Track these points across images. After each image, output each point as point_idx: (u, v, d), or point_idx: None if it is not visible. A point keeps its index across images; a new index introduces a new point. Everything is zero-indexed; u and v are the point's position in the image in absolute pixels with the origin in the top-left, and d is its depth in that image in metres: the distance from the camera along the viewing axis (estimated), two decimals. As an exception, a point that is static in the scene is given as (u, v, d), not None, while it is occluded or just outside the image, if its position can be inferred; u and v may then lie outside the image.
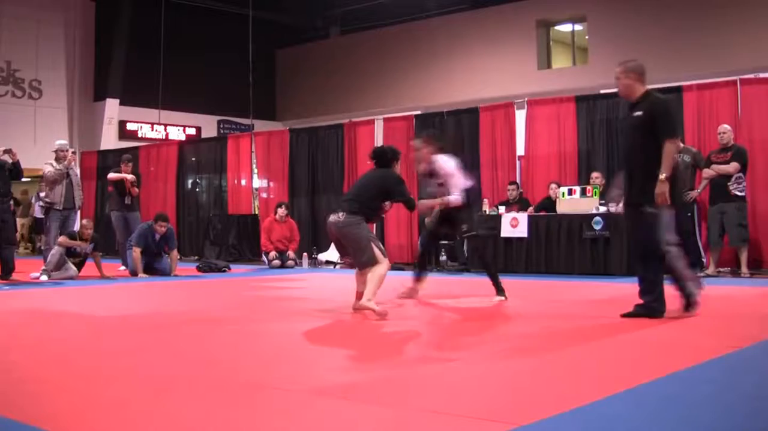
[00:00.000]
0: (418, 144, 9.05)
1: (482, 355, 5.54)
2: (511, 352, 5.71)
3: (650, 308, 7.14)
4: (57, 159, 13.58)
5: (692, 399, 4.08)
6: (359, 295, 7.81)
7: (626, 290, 10.15)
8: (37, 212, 16.48)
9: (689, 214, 12.34)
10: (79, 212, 14.28)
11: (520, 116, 15.26)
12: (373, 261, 7.68)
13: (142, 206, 16.58)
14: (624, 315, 7.13)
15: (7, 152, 12.44)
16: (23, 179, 15.77)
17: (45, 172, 13.69)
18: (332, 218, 7.88)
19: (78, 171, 14.19)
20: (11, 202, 12.84)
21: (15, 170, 12.59)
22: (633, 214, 7.34)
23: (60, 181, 13.45)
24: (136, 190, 15.13)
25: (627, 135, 7.68)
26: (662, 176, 6.96)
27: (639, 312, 7.15)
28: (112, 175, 15.49)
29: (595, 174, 13.47)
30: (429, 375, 4.82)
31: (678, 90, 13.63)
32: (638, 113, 7.27)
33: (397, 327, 6.96)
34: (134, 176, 15.15)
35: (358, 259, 7.80)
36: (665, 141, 7.02)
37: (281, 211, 16.32)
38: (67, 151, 13.73)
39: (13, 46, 25.01)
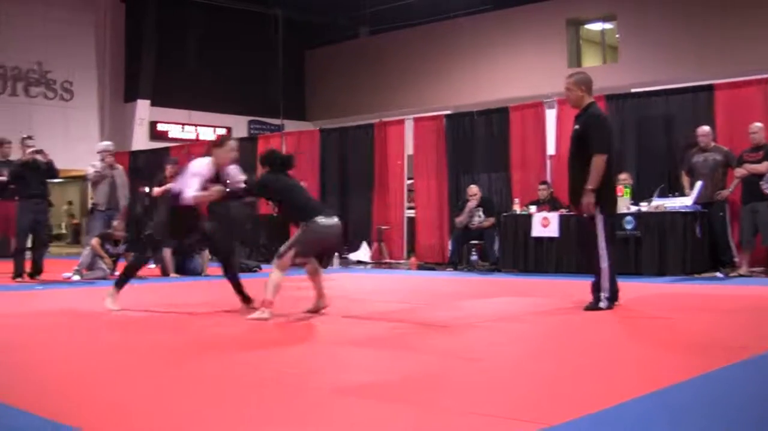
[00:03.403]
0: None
1: (509, 355, 5.53)
2: (539, 352, 5.69)
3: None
4: (102, 161, 13.70)
5: (723, 400, 4.05)
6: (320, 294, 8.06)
7: (658, 289, 10.13)
8: None
9: (721, 213, 12.26)
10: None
11: (551, 115, 15.20)
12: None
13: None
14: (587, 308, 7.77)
15: (39, 152, 12.51)
16: (58, 180, 15.82)
17: (87, 173, 13.82)
18: (336, 221, 7.80)
19: (123, 172, 14.18)
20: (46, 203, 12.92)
21: (50, 170, 12.72)
22: (579, 221, 8.06)
23: (102, 182, 13.54)
24: None
25: (571, 146, 8.01)
26: (588, 187, 7.51)
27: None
28: (156, 190, 15.26)
29: (623, 176, 13.32)
30: (456, 374, 4.82)
31: (709, 88, 13.53)
32: (576, 126, 7.82)
33: (421, 328, 6.96)
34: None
35: (330, 260, 7.92)
36: (594, 154, 7.53)
37: None
38: (107, 152, 13.81)
39: (44, 48, 25.20)
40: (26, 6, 24.60)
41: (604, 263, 7.70)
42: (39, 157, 12.46)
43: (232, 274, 8.56)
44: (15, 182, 12.67)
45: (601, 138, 7.66)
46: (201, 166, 8.26)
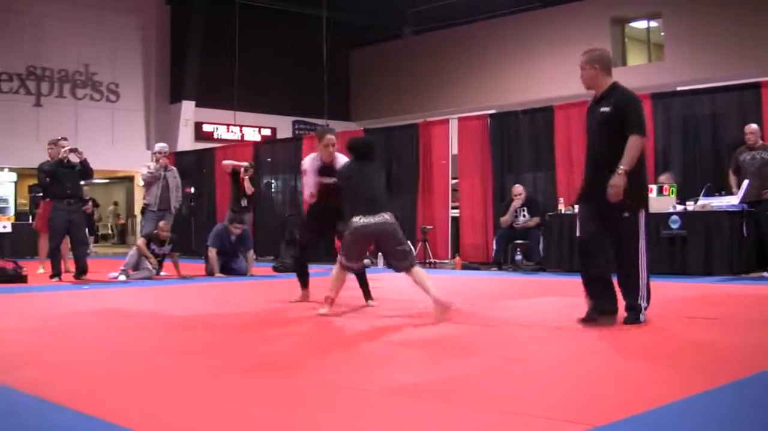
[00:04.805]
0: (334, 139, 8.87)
1: (553, 355, 5.51)
2: (584, 353, 5.67)
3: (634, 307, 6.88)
4: (156, 161, 13.80)
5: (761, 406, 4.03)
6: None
7: (704, 290, 10.04)
8: None
9: (768, 212, 12.15)
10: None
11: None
12: (415, 262, 7.70)
13: (218, 206, 16.52)
14: (627, 322, 6.79)
15: (73, 151, 12.46)
16: (104, 180, 15.95)
17: (141, 173, 13.92)
18: (377, 219, 7.54)
19: (177, 173, 14.20)
20: (90, 203, 12.96)
21: (84, 170, 12.63)
22: (600, 211, 6.91)
23: (155, 182, 13.63)
24: (251, 187, 14.39)
25: (593, 131, 7.11)
26: (621, 169, 6.60)
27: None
28: (225, 162, 14.91)
29: (662, 177, 13.16)
30: (501, 374, 4.83)
31: (756, 86, 13.37)
32: (605, 109, 6.88)
33: (466, 328, 6.95)
34: (249, 165, 14.50)
35: (401, 260, 7.67)
36: (631, 135, 6.66)
37: None
38: (161, 153, 13.89)
39: (91, 50, 25.49)
40: (72, 9, 24.86)
41: (644, 267, 6.88)
42: (72, 156, 12.46)
43: (361, 272, 8.73)
44: (50, 182, 12.74)
45: (640, 118, 6.88)
46: (307, 163, 8.64)
